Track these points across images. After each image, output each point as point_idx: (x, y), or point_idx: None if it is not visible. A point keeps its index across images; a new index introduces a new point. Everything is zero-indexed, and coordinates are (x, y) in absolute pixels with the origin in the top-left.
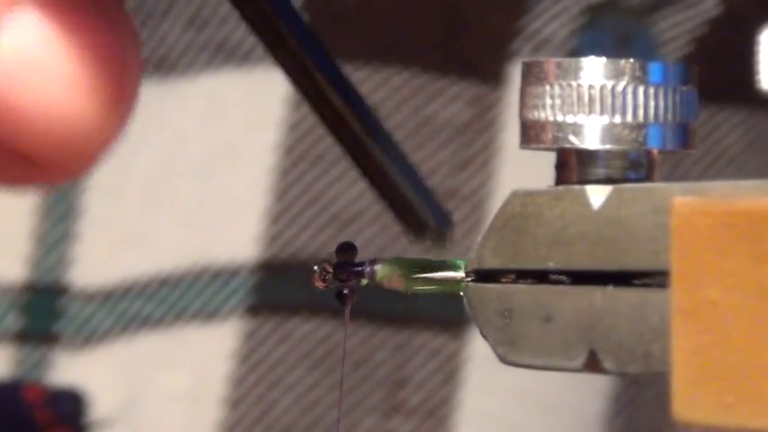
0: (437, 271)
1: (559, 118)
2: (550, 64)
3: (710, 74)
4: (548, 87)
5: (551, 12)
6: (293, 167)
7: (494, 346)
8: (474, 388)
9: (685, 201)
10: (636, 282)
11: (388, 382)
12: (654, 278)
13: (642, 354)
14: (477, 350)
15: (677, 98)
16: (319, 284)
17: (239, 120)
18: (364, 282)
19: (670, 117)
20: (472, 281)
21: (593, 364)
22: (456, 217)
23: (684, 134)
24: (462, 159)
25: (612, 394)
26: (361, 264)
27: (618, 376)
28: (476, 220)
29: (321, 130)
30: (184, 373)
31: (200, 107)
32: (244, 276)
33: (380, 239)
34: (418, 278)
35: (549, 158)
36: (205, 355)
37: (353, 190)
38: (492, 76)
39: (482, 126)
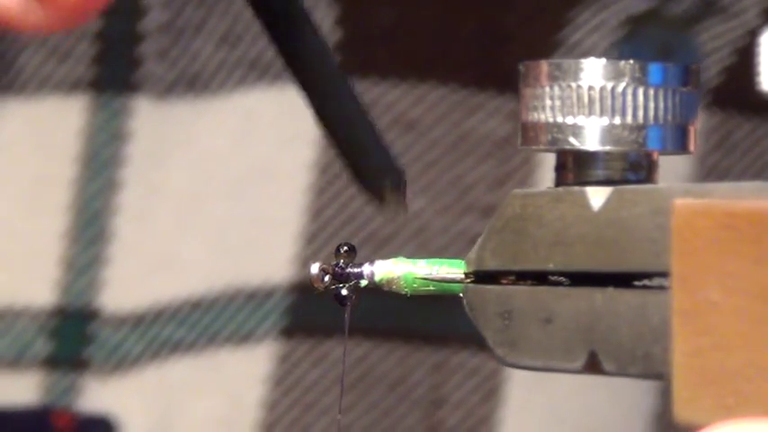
0: (437, 272)
1: (559, 119)
2: (550, 65)
3: (753, 84)
4: (547, 89)
5: (592, 23)
6: (329, 186)
7: (494, 348)
8: (514, 407)
9: (686, 202)
10: (636, 283)
11: (426, 402)
12: (654, 279)
13: (642, 355)
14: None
15: (677, 99)
16: (318, 285)
17: (273, 138)
18: (364, 283)
19: (670, 118)
20: (472, 282)
21: (593, 366)
22: None
23: (684, 135)
24: (501, 175)
25: (654, 414)
26: (361, 265)
27: (618, 377)
28: None
29: None
30: (218, 398)
31: (232, 126)
32: (278, 298)
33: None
34: (418, 279)
35: None
36: (238, 379)
37: None
38: None
39: None
